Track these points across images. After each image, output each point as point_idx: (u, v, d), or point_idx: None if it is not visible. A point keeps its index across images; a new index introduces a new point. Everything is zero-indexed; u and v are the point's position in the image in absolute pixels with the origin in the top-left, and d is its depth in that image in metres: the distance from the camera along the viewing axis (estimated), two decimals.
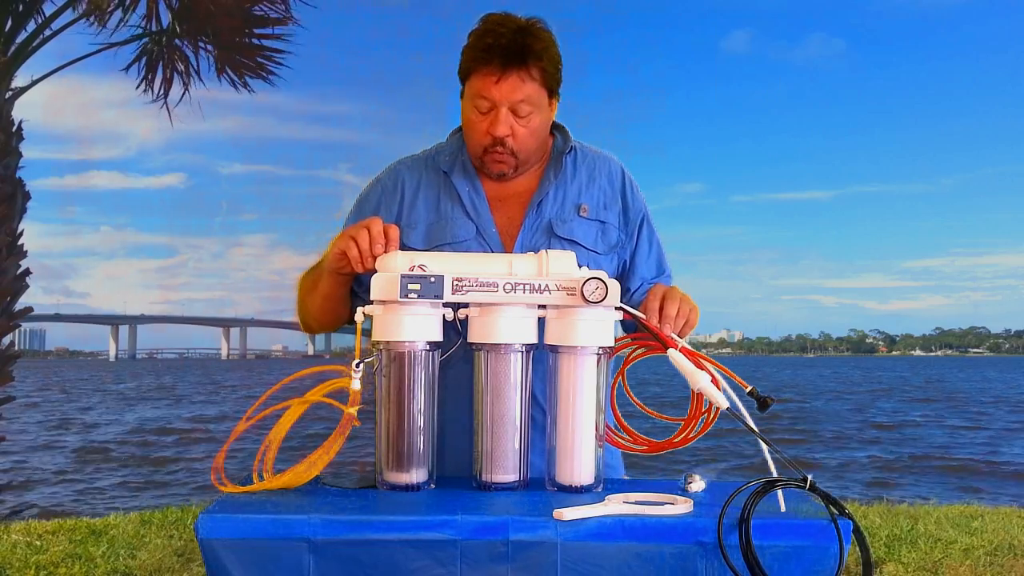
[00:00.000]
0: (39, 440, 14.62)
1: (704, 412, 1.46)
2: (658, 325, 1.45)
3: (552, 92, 1.64)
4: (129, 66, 7.53)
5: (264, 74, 7.72)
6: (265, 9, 7.70)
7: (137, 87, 7.57)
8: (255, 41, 7.75)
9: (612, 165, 1.77)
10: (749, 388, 1.40)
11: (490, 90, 1.59)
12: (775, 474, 1.29)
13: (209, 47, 7.64)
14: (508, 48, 1.56)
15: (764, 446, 1.33)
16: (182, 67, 7.63)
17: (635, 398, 1.56)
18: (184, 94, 7.71)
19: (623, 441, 1.55)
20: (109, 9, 7.35)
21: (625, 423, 1.56)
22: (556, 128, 1.75)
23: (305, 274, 1.68)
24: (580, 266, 1.53)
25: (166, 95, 7.67)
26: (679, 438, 1.50)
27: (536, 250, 1.58)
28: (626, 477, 1.73)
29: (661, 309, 1.48)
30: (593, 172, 1.75)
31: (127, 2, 7.42)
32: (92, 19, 7.30)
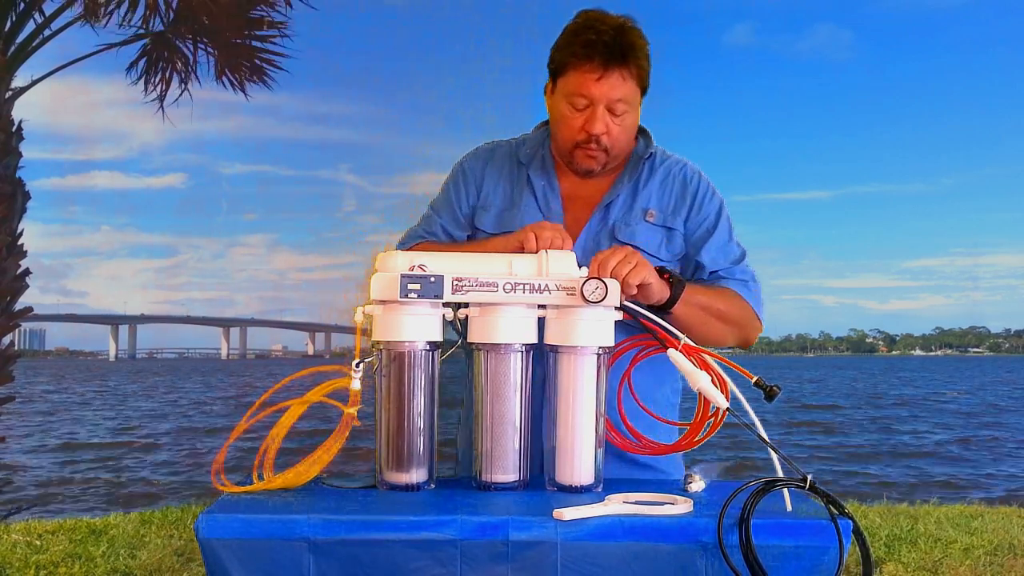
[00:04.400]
0: None
1: (711, 416, 1.45)
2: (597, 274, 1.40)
3: (644, 92, 1.62)
4: (130, 66, 7.54)
5: (263, 78, 7.72)
6: (265, 11, 7.70)
7: (143, 87, 7.59)
8: (254, 43, 7.75)
9: (688, 171, 1.73)
10: (755, 379, 1.40)
11: (589, 87, 1.57)
12: (780, 473, 1.29)
13: (210, 48, 7.64)
14: (610, 46, 1.54)
15: (772, 452, 1.33)
16: (182, 67, 7.64)
17: (640, 401, 1.56)
18: (182, 94, 7.73)
19: (630, 443, 1.55)
20: (107, 9, 7.34)
21: (631, 424, 1.55)
22: (640, 131, 1.72)
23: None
24: None
25: (164, 95, 7.68)
26: (685, 441, 1.49)
27: (596, 252, 1.58)
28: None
29: (600, 259, 1.43)
30: (667, 178, 1.71)
31: (127, 2, 7.43)
32: (89, 19, 7.29)
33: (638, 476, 1.57)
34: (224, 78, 7.70)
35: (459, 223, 1.75)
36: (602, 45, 1.54)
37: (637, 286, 1.42)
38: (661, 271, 1.51)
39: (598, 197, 1.69)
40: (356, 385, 1.38)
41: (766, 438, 1.33)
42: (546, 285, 1.37)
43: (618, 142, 1.63)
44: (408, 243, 1.76)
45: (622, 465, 1.59)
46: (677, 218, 1.68)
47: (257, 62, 7.71)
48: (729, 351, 1.67)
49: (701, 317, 1.56)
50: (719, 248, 1.69)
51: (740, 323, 1.65)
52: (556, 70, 1.62)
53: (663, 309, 1.49)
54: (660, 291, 1.48)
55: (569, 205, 1.70)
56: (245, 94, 7.82)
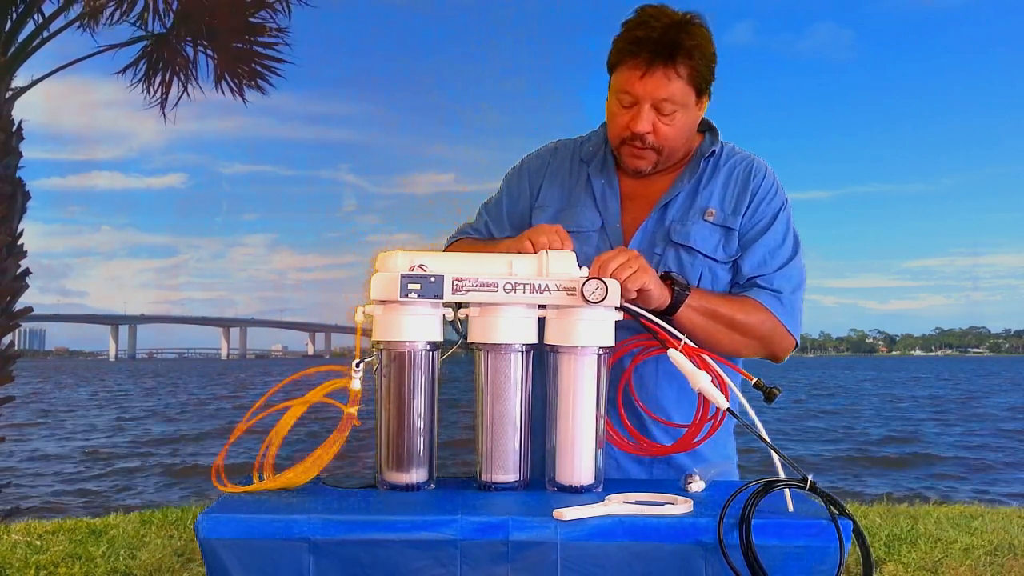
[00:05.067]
0: None
1: (711, 417, 1.45)
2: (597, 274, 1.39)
3: (701, 91, 1.58)
4: (127, 68, 7.53)
5: (262, 83, 7.72)
6: (265, 16, 7.69)
7: (142, 89, 7.58)
8: (254, 48, 7.74)
9: (755, 168, 1.67)
10: (755, 380, 1.40)
11: (634, 85, 1.54)
12: (781, 474, 1.29)
13: (209, 51, 7.63)
14: (658, 43, 1.51)
15: (773, 453, 1.33)
16: (181, 71, 7.63)
17: (640, 401, 1.56)
18: (183, 95, 7.72)
19: (629, 443, 1.55)
20: (106, 11, 7.34)
21: (630, 424, 1.55)
22: (707, 128, 1.69)
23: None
24: (698, 274, 1.51)
25: (165, 98, 7.68)
26: (684, 441, 1.49)
27: (651, 252, 1.57)
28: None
29: (601, 260, 1.41)
30: (731, 176, 1.66)
31: (125, 3, 7.42)
32: (88, 21, 7.29)
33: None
34: (223, 83, 7.69)
35: (502, 223, 1.75)
36: (649, 42, 1.51)
37: (636, 291, 1.41)
38: (665, 276, 1.50)
39: (657, 196, 1.65)
40: (356, 385, 1.38)
41: (766, 438, 1.33)
42: (546, 285, 1.37)
43: (668, 142, 1.59)
44: (454, 238, 1.78)
45: (668, 470, 1.61)
46: (737, 217, 1.63)
47: (256, 67, 7.70)
48: None
49: (709, 325, 1.53)
50: (768, 251, 1.62)
51: (761, 336, 1.59)
52: (610, 66, 1.60)
53: (666, 314, 1.48)
54: (660, 297, 1.46)
55: (628, 204, 1.67)
56: (244, 100, 7.81)
